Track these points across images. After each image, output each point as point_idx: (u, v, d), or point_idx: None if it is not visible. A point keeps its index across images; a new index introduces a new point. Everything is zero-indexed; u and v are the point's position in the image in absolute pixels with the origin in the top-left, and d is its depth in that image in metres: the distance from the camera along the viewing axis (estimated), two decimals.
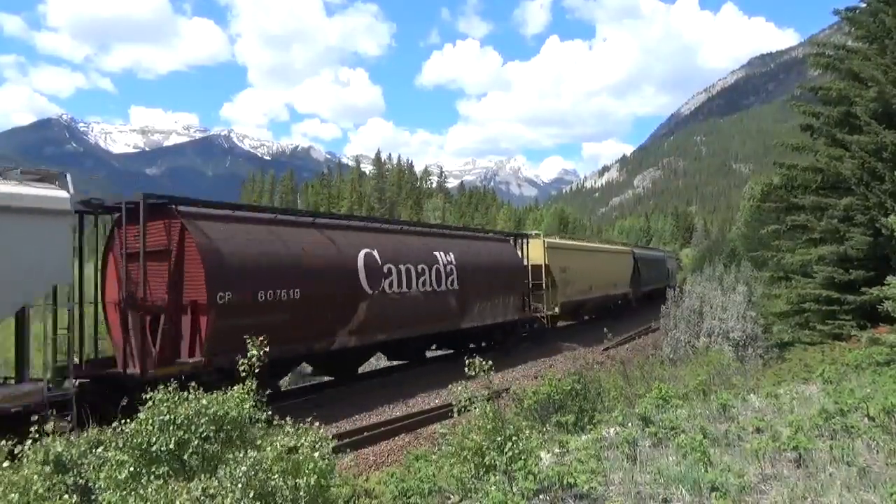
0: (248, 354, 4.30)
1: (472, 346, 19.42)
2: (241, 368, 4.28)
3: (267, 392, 4.57)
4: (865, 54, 16.55)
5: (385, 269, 14.08)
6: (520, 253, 21.20)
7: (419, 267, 15.24)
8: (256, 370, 4.26)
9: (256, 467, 3.49)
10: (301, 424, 4.17)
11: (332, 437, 4.28)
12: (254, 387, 4.21)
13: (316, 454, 3.78)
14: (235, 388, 4.18)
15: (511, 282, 19.77)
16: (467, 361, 5.11)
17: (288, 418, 4.22)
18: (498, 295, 18.82)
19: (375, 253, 13.97)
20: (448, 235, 18.47)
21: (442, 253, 16.46)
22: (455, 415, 5.15)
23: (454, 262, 16.67)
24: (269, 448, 3.67)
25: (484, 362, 5.10)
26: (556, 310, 23.03)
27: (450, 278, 16.34)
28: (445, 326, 16.68)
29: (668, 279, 47.43)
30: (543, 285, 22.18)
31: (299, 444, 3.86)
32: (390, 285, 14.17)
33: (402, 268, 14.63)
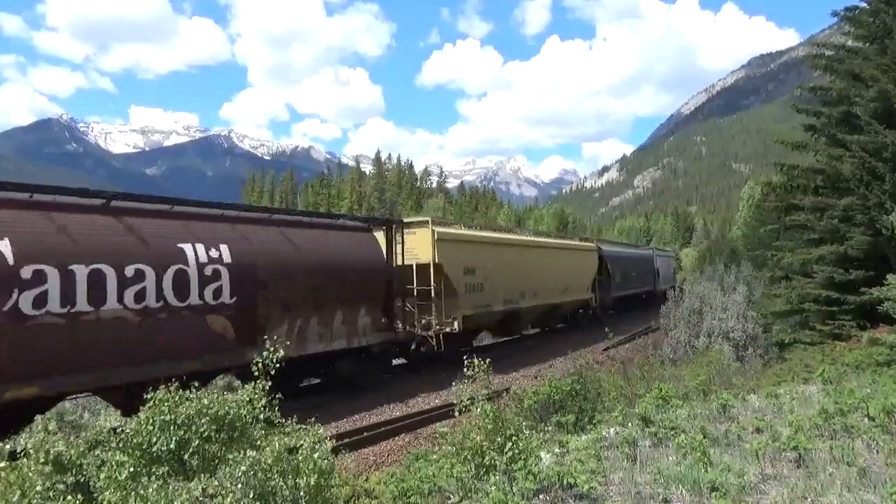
0: (263, 355, 4.37)
1: (302, 384, 14.29)
2: (255, 369, 4.32)
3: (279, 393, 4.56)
4: (866, 54, 16.58)
5: (27, 275, 8.10)
6: (398, 248, 15.20)
7: (130, 269, 9.23)
8: (272, 371, 4.31)
9: (256, 467, 3.50)
10: (301, 425, 4.18)
11: (332, 437, 4.29)
12: (266, 387, 4.24)
13: (315, 454, 3.79)
14: (246, 387, 4.21)
15: (365, 289, 13.61)
16: (466, 362, 5.15)
17: (288, 419, 4.23)
18: (335, 309, 12.76)
19: (3, 245, 8.04)
20: (219, 219, 11.34)
21: (199, 246, 10.35)
22: (456, 414, 5.17)
23: (227, 259, 10.66)
24: (268, 448, 3.68)
25: (483, 363, 5.14)
26: (456, 326, 16.55)
27: (213, 286, 10.32)
28: (208, 363, 10.33)
29: (655, 282, 41.16)
30: (433, 292, 16.05)
31: (299, 445, 3.87)
32: (39, 302, 8.18)
33: (80, 270, 8.62)
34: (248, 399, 4.09)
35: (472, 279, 17.98)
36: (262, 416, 4.14)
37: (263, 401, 4.16)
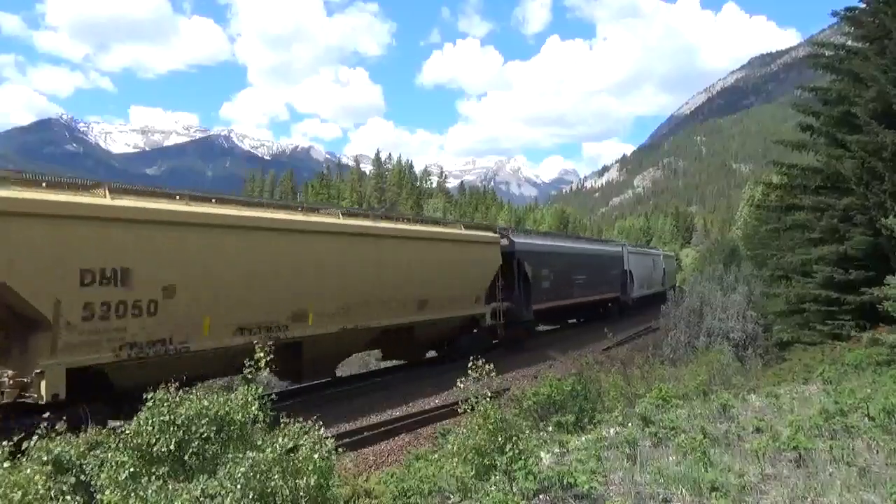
0: (255, 357, 4.38)
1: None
2: (248, 370, 4.35)
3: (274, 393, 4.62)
4: (865, 54, 16.57)
5: None
6: None
7: None
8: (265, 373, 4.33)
9: (256, 468, 3.50)
10: (302, 425, 4.18)
11: (332, 437, 4.30)
12: (260, 389, 4.26)
13: (316, 455, 3.79)
14: (241, 388, 4.22)
15: None
16: (470, 361, 5.19)
17: (289, 419, 4.24)
18: None
19: None
20: None
21: None
22: (461, 411, 5.19)
23: None
24: (269, 449, 3.68)
25: (485, 364, 5.17)
26: (43, 391, 8.03)
27: None
28: None
29: (626, 288, 32.61)
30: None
31: (299, 445, 3.87)
32: None
33: None
34: (243, 402, 4.09)
35: (109, 293, 8.84)
36: (261, 417, 4.15)
37: (258, 403, 4.17)
